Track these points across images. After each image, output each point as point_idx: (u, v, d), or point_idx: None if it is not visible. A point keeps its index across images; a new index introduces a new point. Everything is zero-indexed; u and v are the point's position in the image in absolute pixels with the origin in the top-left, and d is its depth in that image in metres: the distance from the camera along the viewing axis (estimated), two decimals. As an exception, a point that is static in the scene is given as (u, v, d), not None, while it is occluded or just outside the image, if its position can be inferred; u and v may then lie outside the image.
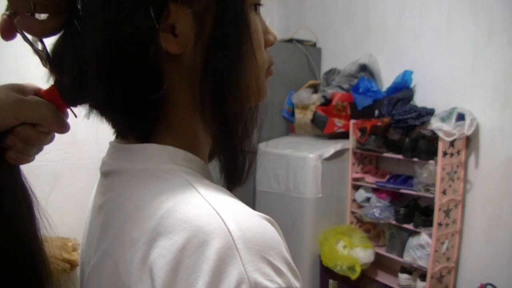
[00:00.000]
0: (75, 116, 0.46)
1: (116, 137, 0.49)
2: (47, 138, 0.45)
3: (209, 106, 0.43)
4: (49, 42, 0.44)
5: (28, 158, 0.44)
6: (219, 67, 0.42)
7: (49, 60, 0.43)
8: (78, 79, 0.42)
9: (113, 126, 0.47)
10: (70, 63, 0.42)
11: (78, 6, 0.38)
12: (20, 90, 0.43)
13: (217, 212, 0.35)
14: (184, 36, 0.40)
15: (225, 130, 0.45)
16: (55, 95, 0.43)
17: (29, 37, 0.43)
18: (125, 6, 0.37)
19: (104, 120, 0.46)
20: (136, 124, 0.44)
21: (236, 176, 0.49)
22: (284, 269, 0.34)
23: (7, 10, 0.41)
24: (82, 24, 0.39)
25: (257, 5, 0.46)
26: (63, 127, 0.44)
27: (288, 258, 0.36)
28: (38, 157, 0.45)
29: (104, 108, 0.44)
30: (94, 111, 0.46)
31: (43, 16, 0.40)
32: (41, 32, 0.41)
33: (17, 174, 0.43)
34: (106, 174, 0.47)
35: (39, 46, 0.43)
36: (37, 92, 0.44)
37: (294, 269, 0.36)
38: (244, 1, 0.43)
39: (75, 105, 0.45)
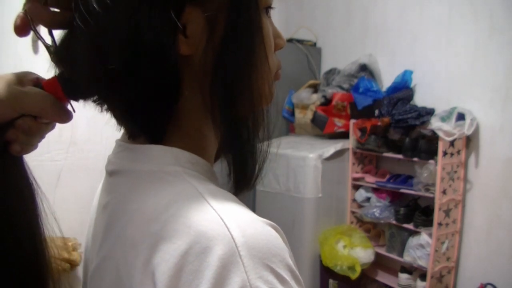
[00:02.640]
0: (74, 111, 0.45)
1: (123, 136, 0.49)
2: (48, 127, 0.44)
3: (219, 109, 0.43)
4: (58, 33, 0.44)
5: (32, 148, 0.44)
6: (230, 70, 0.41)
7: (57, 53, 0.43)
8: (89, 76, 0.41)
9: (125, 126, 0.47)
10: (81, 59, 0.41)
11: (95, 6, 0.37)
12: (19, 80, 0.42)
13: (221, 218, 0.34)
14: (195, 37, 0.40)
15: (235, 134, 0.45)
16: (56, 87, 0.42)
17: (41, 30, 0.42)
18: (145, 8, 0.37)
19: (114, 120, 0.46)
20: (149, 126, 0.43)
21: (244, 181, 0.48)
22: (287, 276, 0.34)
23: (24, 7, 0.41)
24: (96, 23, 0.38)
25: (268, 8, 0.46)
26: (65, 117, 0.43)
27: (292, 265, 0.36)
28: (38, 156, 0.45)
29: (119, 108, 0.44)
30: (100, 108, 0.45)
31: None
32: (49, 22, 0.41)
33: (22, 166, 0.43)
34: (111, 173, 0.47)
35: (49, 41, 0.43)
36: (36, 81, 0.43)
37: (298, 276, 0.36)
38: (257, 4, 0.42)
39: (76, 100, 0.44)
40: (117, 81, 0.39)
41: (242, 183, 0.48)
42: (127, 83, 0.39)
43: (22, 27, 0.41)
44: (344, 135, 2.71)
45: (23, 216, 0.41)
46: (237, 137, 0.45)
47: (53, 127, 0.45)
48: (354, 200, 2.72)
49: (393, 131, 2.45)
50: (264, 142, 0.48)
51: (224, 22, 0.40)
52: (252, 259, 0.33)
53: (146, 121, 0.42)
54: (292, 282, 0.34)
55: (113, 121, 0.47)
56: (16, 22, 0.41)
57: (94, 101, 0.45)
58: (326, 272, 2.53)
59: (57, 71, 0.44)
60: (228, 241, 0.33)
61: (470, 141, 2.29)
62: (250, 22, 0.41)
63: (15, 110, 0.40)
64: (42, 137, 0.45)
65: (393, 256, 2.47)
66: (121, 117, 0.45)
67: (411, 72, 2.48)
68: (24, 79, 0.43)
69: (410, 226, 2.35)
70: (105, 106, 0.45)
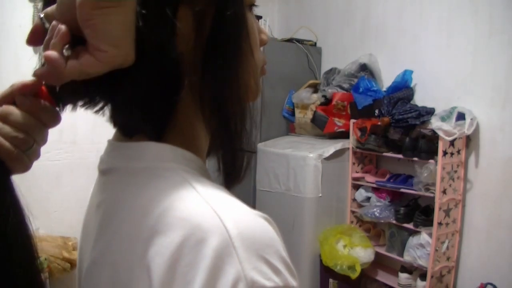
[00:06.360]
0: (61, 110, 0.44)
1: (115, 135, 0.49)
2: (33, 123, 0.40)
3: (209, 104, 0.43)
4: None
5: (22, 157, 0.40)
6: (219, 66, 0.42)
7: None
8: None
9: (122, 125, 0.47)
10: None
11: None
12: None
13: (214, 211, 0.35)
14: (185, 35, 0.41)
15: (225, 128, 0.45)
16: (44, 94, 0.41)
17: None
18: (143, 8, 0.37)
19: (111, 119, 0.46)
20: (151, 122, 0.43)
21: (234, 174, 0.48)
22: (281, 267, 0.35)
23: (37, 16, 0.39)
24: None
25: (252, 5, 0.47)
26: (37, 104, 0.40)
27: (285, 256, 0.36)
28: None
29: (121, 107, 0.44)
30: (90, 110, 0.45)
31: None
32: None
33: (10, 182, 0.40)
34: (104, 172, 0.47)
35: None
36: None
37: (291, 267, 0.36)
38: (242, 0, 0.43)
39: (67, 102, 0.43)
40: (121, 79, 0.40)
41: (232, 177, 0.48)
42: (130, 81, 0.40)
43: (36, 38, 0.40)
44: (344, 135, 2.71)
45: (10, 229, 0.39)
46: (226, 131, 0.45)
47: (43, 138, 0.42)
48: (354, 200, 2.72)
49: (393, 131, 2.45)
50: (251, 136, 0.49)
51: (211, 18, 0.41)
52: (246, 251, 0.33)
53: (149, 117, 0.43)
54: (286, 273, 0.35)
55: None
56: (33, 30, 0.39)
57: (83, 104, 0.44)
58: (326, 272, 2.53)
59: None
60: (222, 233, 0.33)
61: (470, 141, 2.29)
62: (236, 17, 0.42)
63: None
64: (37, 153, 0.41)
65: (393, 255, 2.47)
66: (122, 115, 0.45)
67: (411, 72, 2.48)
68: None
69: (410, 225, 2.35)
70: (96, 107, 0.44)
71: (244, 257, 0.33)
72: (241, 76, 0.44)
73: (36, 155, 0.42)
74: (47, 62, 0.36)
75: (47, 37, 0.38)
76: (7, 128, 0.39)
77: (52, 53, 0.36)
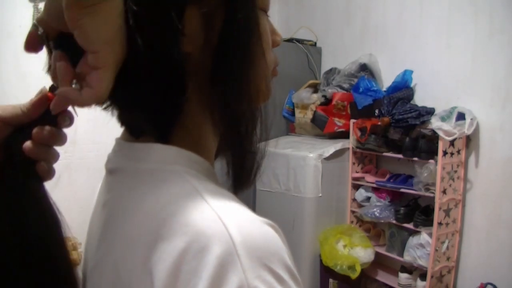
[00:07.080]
0: (76, 115, 0.45)
1: (123, 134, 0.49)
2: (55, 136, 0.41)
3: (218, 106, 0.43)
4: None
5: (51, 169, 0.41)
6: (229, 67, 0.42)
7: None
8: None
9: (129, 125, 0.46)
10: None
11: None
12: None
13: (219, 217, 0.34)
14: (193, 36, 0.40)
15: (234, 130, 0.44)
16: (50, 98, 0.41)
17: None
18: (148, 10, 0.37)
19: (116, 118, 0.46)
20: (158, 123, 0.43)
21: (244, 178, 0.47)
22: (285, 276, 0.34)
23: (34, 20, 0.40)
24: None
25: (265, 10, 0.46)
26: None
27: (290, 264, 0.35)
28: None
29: (128, 107, 0.43)
30: (100, 107, 0.45)
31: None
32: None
33: (45, 191, 0.41)
34: (111, 171, 0.47)
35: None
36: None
37: (296, 276, 0.35)
38: (254, 2, 0.43)
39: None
40: (124, 79, 0.39)
41: (242, 181, 0.47)
42: (137, 82, 0.40)
43: (33, 45, 0.40)
44: (344, 135, 2.71)
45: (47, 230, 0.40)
46: (235, 134, 0.45)
47: (61, 139, 0.43)
48: (354, 200, 2.72)
49: (393, 131, 2.45)
50: (261, 138, 0.48)
51: (221, 19, 0.41)
52: (250, 259, 0.33)
53: (154, 118, 0.42)
54: (290, 282, 0.34)
55: (113, 121, 0.47)
56: (28, 38, 0.40)
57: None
58: (326, 272, 2.53)
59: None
60: (226, 240, 0.33)
61: (470, 141, 2.29)
62: (247, 18, 0.42)
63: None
64: (53, 156, 0.42)
65: (393, 255, 2.47)
66: (129, 115, 0.45)
67: (411, 72, 2.48)
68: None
69: (410, 225, 2.35)
70: (104, 105, 0.44)
71: (247, 266, 0.32)
72: (252, 78, 0.43)
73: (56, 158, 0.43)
74: (64, 101, 0.38)
75: (52, 67, 0.40)
76: (52, 154, 0.41)
77: (63, 90, 0.38)
